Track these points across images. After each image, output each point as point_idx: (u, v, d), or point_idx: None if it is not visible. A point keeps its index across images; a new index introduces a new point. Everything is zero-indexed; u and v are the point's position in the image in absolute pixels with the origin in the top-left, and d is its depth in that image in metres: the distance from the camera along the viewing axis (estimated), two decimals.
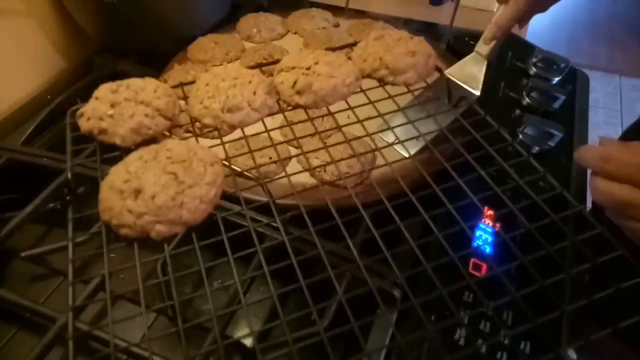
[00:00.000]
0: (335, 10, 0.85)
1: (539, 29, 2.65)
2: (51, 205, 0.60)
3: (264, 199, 0.42)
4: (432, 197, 0.40)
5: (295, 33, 0.79)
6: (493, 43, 0.58)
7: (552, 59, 0.75)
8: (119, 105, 0.42)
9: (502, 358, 0.44)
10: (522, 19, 0.58)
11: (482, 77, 0.57)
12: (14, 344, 0.47)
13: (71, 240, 0.38)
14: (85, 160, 0.59)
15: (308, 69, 0.46)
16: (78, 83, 0.73)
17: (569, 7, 2.93)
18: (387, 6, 0.97)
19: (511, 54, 0.78)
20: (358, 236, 0.48)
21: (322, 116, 0.47)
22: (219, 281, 0.53)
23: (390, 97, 0.48)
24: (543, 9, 0.57)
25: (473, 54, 0.59)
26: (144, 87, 0.44)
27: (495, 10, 0.96)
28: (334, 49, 0.51)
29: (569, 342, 0.45)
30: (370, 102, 0.47)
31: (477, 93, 0.56)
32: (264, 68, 0.52)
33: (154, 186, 0.35)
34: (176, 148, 0.38)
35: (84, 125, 0.42)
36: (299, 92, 0.45)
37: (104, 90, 0.44)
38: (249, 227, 0.38)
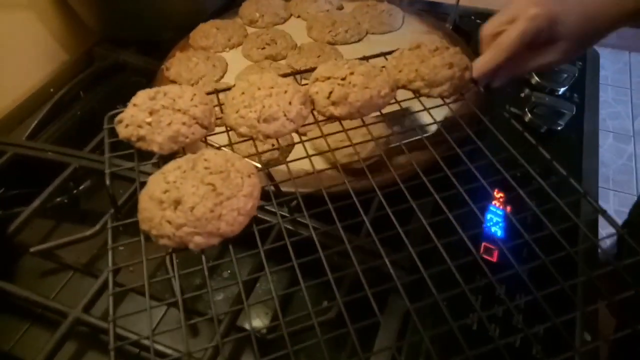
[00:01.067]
0: None
1: None
2: (58, 199, 0.60)
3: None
4: (442, 180, 0.40)
5: (298, 17, 0.78)
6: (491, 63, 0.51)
7: None
8: (157, 112, 0.42)
9: (516, 342, 0.43)
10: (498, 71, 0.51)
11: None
12: (27, 339, 0.47)
13: (111, 249, 0.38)
14: (90, 154, 0.59)
15: (343, 79, 0.45)
16: (80, 75, 0.73)
17: None
18: None
19: None
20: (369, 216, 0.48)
21: (357, 127, 0.47)
22: (229, 271, 0.53)
23: (425, 109, 0.48)
24: (519, 71, 0.54)
25: None
26: (182, 95, 0.44)
27: None
28: (367, 58, 0.51)
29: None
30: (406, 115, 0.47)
31: None
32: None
33: (193, 197, 0.36)
34: (214, 158, 0.38)
35: (122, 131, 0.42)
36: (334, 103, 0.45)
37: (141, 97, 0.44)
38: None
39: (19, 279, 0.51)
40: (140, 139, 0.42)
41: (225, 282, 0.52)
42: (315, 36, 0.72)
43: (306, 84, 0.49)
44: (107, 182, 0.43)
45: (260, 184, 0.40)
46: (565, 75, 0.68)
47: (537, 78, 0.68)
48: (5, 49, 0.70)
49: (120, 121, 0.43)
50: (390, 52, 0.52)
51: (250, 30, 0.75)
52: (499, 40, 0.50)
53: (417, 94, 0.48)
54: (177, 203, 0.36)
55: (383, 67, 0.50)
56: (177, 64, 0.67)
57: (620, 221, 0.81)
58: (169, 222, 0.35)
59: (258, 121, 0.43)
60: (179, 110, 0.43)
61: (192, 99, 0.44)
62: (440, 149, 0.45)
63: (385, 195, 0.40)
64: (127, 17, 0.73)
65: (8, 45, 0.70)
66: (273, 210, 0.47)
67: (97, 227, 0.51)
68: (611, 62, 2.41)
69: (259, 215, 0.40)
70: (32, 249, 0.49)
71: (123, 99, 0.58)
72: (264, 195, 0.41)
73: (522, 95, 0.67)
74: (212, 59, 0.67)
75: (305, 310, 0.34)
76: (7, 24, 0.69)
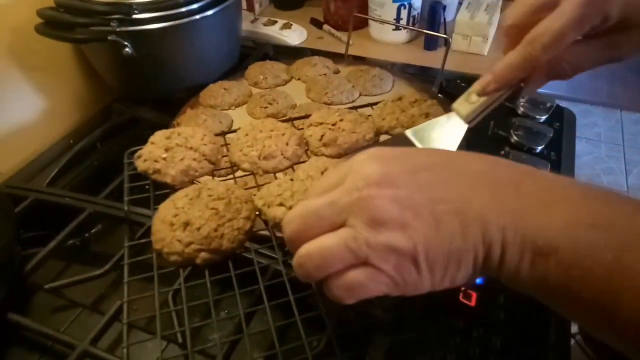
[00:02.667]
0: (336, 57, 0.91)
1: None
2: (70, 242, 0.65)
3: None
4: None
5: (298, 79, 0.85)
6: (481, 101, 0.43)
7: (539, 99, 0.80)
8: (171, 149, 0.49)
9: None
10: (532, 75, 0.40)
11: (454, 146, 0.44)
12: None
13: (127, 283, 0.43)
14: (104, 200, 0.64)
15: (334, 124, 0.53)
16: (98, 129, 0.79)
17: None
18: (384, 52, 1.04)
19: None
20: None
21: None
22: (226, 312, 0.56)
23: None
24: (572, 69, 0.41)
25: (451, 112, 0.45)
26: (193, 135, 0.51)
27: (485, 53, 1.02)
28: (356, 108, 0.59)
29: None
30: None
31: None
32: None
33: (199, 219, 0.41)
34: (216, 188, 0.45)
35: (141, 165, 0.49)
36: (325, 145, 0.53)
37: (159, 136, 0.51)
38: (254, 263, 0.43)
39: (31, 313, 0.55)
40: (156, 171, 0.48)
41: (222, 322, 0.55)
42: (313, 97, 0.79)
43: (302, 129, 0.56)
44: (126, 208, 0.49)
45: (255, 209, 0.44)
46: (543, 136, 0.74)
47: (515, 137, 0.74)
48: (32, 104, 0.77)
49: (140, 156, 0.49)
50: (376, 103, 0.60)
51: (254, 90, 0.82)
52: (534, 33, 0.37)
53: None
54: (185, 225, 0.41)
55: (369, 115, 0.57)
56: (186, 120, 0.73)
57: None
58: (179, 240, 0.41)
59: (259, 158, 0.50)
60: (190, 148, 0.50)
61: (202, 139, 0.51)
62: None
63: None
64: (145, 80, 0.80)
65: (34, 100, 0.77)
66: (269, 253, 0.52)
67: (107, 266, 0.56)
68: (603, 120, 2.49)
69: (256, 259, 0.45)
70: (46, 286, 0.54)
71: (137, 150, 0.64)
72: (261, 239, 0.46)
73: (502, 152, 0.73)
74: (219, 116, 0.74)
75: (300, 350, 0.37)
76: (34, 81, 0.77)
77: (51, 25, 0.69)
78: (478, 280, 0.55)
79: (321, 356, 0.42)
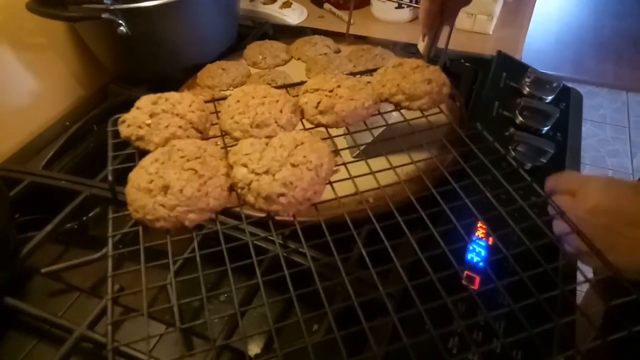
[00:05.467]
0: (337, 36, 0.89)
1: (544, 47, 2.68)
2: (68, 225, 0.64)
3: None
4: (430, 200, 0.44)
5: (298, 59, 0.84)
6: (426, 40, 0.62)
7: (545, 78, 0.78)
8: (156, 115, 0.47)
9: None
10: (441, 14, 0.59)
11: None
12: (34, 354, 0.50)
13: (111, 257, 0.42)
14: (100, 183, 0.63)
15: (331, 91, 0.50)
16: (94, 110, 0.78)
17: (574, 26, 2.97)
18: (387, 31, 1.02)
19: (505, 75, 0.81)
20: (356, 249, 0.51)
21: (342, 135, 0.51)
22: (225, 295, 0.56)
23: (405, 120, 0.52)
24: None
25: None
26: (181, 101, 0.48)
27: (490, 32, 1.00)
28: (355, 74, 0.56)
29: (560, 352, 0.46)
30: (387, 125, 0.51)
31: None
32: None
33: (179, 181, 0.39)
34: (186, 147, 0.43)
35: (124, 131, 0.47)
36: (321, 112, 0.49)
37: (144, 101, 0.49)
38: (248, 241, 0.41)
39: (29, 298, 0.55)
40: (139, 138, 0.46)
41: (222, 305, 0.55)
42: (312, 77, 0.77)
43: (297, 96, 0.53)
44: (110, 177, 0.47)
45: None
46: (549, 116, 0.72)
47: (521, 118, 0.72)
48: (26, 85, 0.75)
49: (123, 121, 0.47)
50: (375, 70, 0.57)
51: (253, 70, 0.80)
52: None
53: (398, 106, 0.52)
54: (165, 189, 0.39)
55: (368, 82, 0.54)
56: None
57: None
58: (163, 205, 0.39)
59: (251, 126, 0.47)
60: (177, 114, 0.47)
61: (190, 105, 0.48)
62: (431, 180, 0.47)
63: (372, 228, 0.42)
64: (140, 60, 0.79)
65: (29, 81, 0.76)
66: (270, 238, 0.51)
67: (104, 250, 0.55)
68: (609, 102, 2.46)
69: (255, 242, 0.44)
70: (43, 270, 0.53)
71: None
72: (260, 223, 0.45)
73: (507, 134, 0.71)
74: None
75: (296, 333, 0.37)
76: (29, 62, 0.75)
77: (43, 3, 0.67)
78: (482, 264, 0.54)
79: (320, 336, 0.42)
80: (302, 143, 0.43)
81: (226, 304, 0.55)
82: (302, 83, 0.54)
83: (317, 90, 0.51)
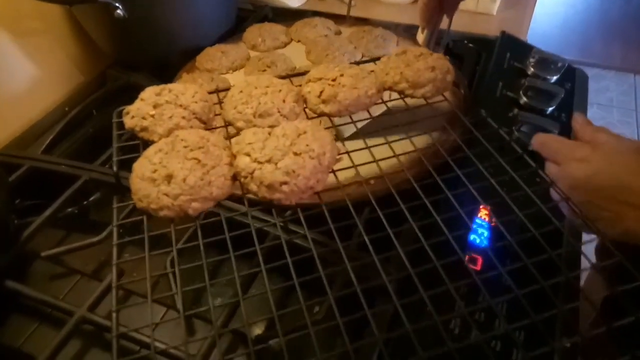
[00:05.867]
0: (337, 18, 0.87)
1: (549, 30, 2.64)
2: (69, 210, 0.64)
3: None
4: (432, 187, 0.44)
5: (298, 41, 0.82)
6: (426, 32, 0.64)
7: (550, 58, 0.77)
8: (160, 106, 0.47)
9: (497, 346, 0.45)
10: (440, 6, 0.61)
11: None
12: (36, 336, 0.50)
13: (116, 246, 0.42)
14: (100, 167, 0.63)
15: (334, 80, 0.50)
16: (93, 95, 0.77)
17: (580, 8, 2.92)
18: (388, 13, 1.00)
19: (509, 55, 0.80)
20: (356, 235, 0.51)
21: (345, 124, 0.51)
22: (228, 277, 0.56)
23: (409, 108, 0.51)
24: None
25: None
26: (184, 92, 0.49)
27: (494, 13, 0.98)
28: (358, 63, 0.55)
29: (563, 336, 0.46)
30: (390, 113, 0.51)
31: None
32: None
33: (183, 171, 0.40)
34: (189, 137, 0.43)
35: (128, 122, 0.47)
36: (324, 101, 0.49)
37: (148, 92, 0.49)
38: (250, 225, 0.41)
39: (30, 281, 0.55)
40: (144, 129, 0.46)
41: (223, 288, 0.55)
42: (313, 59, 0.76)
43: (300, 86, 0.53)
44: (115, 168, 0.47)
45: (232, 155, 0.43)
46: (553, 96, 0.71)
47: (525, 99, 0.71)
48: (24, 71, 0.75)
49: (127, 113, 0.48)
50: (379, 58, 0.56)
51: (252, 54, 0.79)
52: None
53: (402, 94, 0.52)
54: (169, 178, 0.40)
55: (372, 70, 0.54)
56: None
57: None
58: (166, 194, 0.39)
59: (254, 116, 0.47)
60: (180, 105, 0.47)
61: (193, 96, 0.48)
62: (432, 163, 0.47)
63: (372, 208, 0.42)
64: (139, 43, 0.78)
65: (27, 67, 0.75)
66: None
67: (104, 234, 0.55)
68: (616, 84, 2.43)
69: (256, 225, 0.43)
70: (43, 253, 0.53)
71: None
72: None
73: (511, 115, 0.70)
74: (216, 81, 0.72)
75: (297, 315, 0.36)
76: (27, 48, 0.74)
77: None
78: (484, 244, 0.53)
79: (322, 321, 0.41)
80: (304, 132, 0.43)
81: (227, 287, 0.54)
82: (305, 73, 0.54)
83: (320, 79, 0.51)
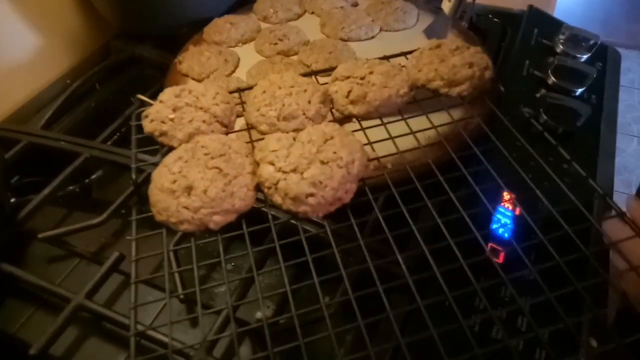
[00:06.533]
0: None
1: (572, 7, 2.53)
2: (70, 188, 0.61)
3: None
4: (453, 179, 0.41)
5: (312, 13, 0.78)
6: (453, 0, 0.64)
7: (581, 35, 0.71)
8: (180, 109, 0.44)
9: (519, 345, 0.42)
10: None
11: (446, 30, 0.68)
12: (32, 322, 0.48)
13: (134, 240, 0.39)
14: (101, 145, 0.60)
15: (362, 78, 0.47)
16: (96, 67, 0.74)
17: None
18: None
19: (537, 31, 0.74)
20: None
21: (375, 126, 0.47)
22: (232, 264, 0.53)
23: (444, 108, 0.47)
24: None
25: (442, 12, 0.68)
26: (205, 93, 0.46)
27: None
28: (388, 58, 0.52)
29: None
30: (424, 114, 0.47)
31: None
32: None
33: (203, 181, 0.38)
34: (210, 144, 0.41)
35: (147, 126, 0.45)
36: (352, 102, 0.46)
37: (168, 94, 0.46)
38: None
39: (27, 264, 0.52)
40: (163, 134, 0.44)
41: (228, 274, 0.52)
42: (328, 32, 0.72)
43: (325, 83, 0.49)
44: (134, 176, 0.45)
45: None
46: (584, 76, 0.66)
47: (553, 78, 0.66)
48: (25, 42, 0.71)
49: (146, 116, 0.45)
50: (410, 52, 0.52)
51: (263, 25, 0.75)
52: None
53: (436, 93, 0.48)
54: (189, 189, 0.38)
55: (403, 66, 0.50)
56: (189, 58, 0.67)
57: None
58: (186, 207, 0.37)
59: (278, 119, 0.45)
60: (200, 108, 0.45)
61: (214, 98, 0.46)
62: (453, 146, 0.44)
63: (392, 194, 0.40)
64: (144, 13, 0.74)
65: (28, 38, 0.72)
66: None
67: (105, 215, 0.52)
68: (639, 65, 2.34)
69: (263, 209, 0.41)
70: (40, 235, 0.51)
71: (137, 91, 0.60)
72: None
73: (538, 95, 0.66)
74: (225, 54, 0.68)
75: (307, 305, 0.35)
76: (27, 18, 0.71)
77: None
78: (507, 235, 0.50)
79: (338, 316, 0.40)
80: (331, 137, 0.40)
81: (233, 273, 0.52)
82: (332, 69, 0.50)
83: (347, 77, 0.47)
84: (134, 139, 0.46)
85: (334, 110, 0.48)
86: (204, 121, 0.44)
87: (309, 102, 0.45)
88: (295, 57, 0.68)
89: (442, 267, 0.35)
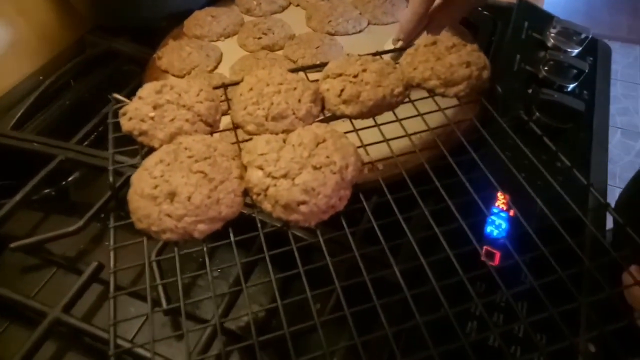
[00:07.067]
0: None
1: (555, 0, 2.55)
2: (46, 191, 0.58)
3: None
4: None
5: (297, 5, 0.76)
6: (400, 45, 0.54)
7: (572, 29, 0.70)
8: (161, 107, 0.42)
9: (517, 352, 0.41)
10: (429, 22, 0.54)
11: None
12: (6, 337, 0.45)
13: (113, 250, 0.38)
14: (77, 146, 0.57)
15: (355, 76, 0.44)
16: (70, 63, 0.70)
17: None
18: None
19: (527, 25, 0.73)
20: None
21: (368, 127, 0.45)
22: (219, 270, 0.51)
23: (440, 109, 0.46)
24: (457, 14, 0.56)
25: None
26: (188, 90, 0.43)
27: None
28: (381, 54, 0.50)
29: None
30: (420, 115, 0.45)
31: None
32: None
33: (187, 187, 0.35)
34: (194, 146, 0.38)
35: (125, 125, 0.42)
36: (345, 102, 0.44)
37: (147, 90, 0.43)
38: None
39: (0, 274, 0.50)
40: (143, 133, 0.41)
41: (215, 281, 0.50)
42: (314, 26, 0.69)
43: (316, 80, 0.47)
44: (111, 179, 0.42)
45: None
46: (575, 71, 0.65)
47: (545, 73, 0.65)
48: None
49: (124, 113, 0.42)
50: (404, 49, 0.50)
51: (247, 19, 0.72)
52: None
53: (432, 93, 0.47)
54: (172, 195, 0.35)
55: (397, 63, 0.48)
56: (169, 53, 0.64)
57: None
58: (169, 215, 0.35)
59: (266, 119, 0.42)
60: (183, 106, 0.42)
61: (198, 95, 0.43)
62: (447, 147, 0.43)
63: (384, 195, 0.39)
64: (120, 6, 0.71)
65: None
66: None
67: (82, 222, 0.49)
68: (621, 57, 2.37)
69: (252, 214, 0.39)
70: (12, 245, 0.48)
71: (114, 87, 0.56)
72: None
73: (529, 91, 0.64)
74: (206, 49, 0.65)
75: (298, 311, 0.34)
76: None
77: None
78: (502, 237, 0.49)
79: (329, 312, 0.39)
80: (324, 140, 0.38)
81: (219, 279, 0.50)
82: (323, 65, 0.48)
83: (339, 75, 0.45)
84: (111, 138, 0.43)
85: (325, 110, 0.46)
86: (187, 120, 0.41)
87: (299, 100, 0.43)
88: (280, 52, 0.66)
89: (438, 274, 0.34)
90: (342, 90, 0.44)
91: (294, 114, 0.42)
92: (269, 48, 0.65)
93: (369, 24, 0.70)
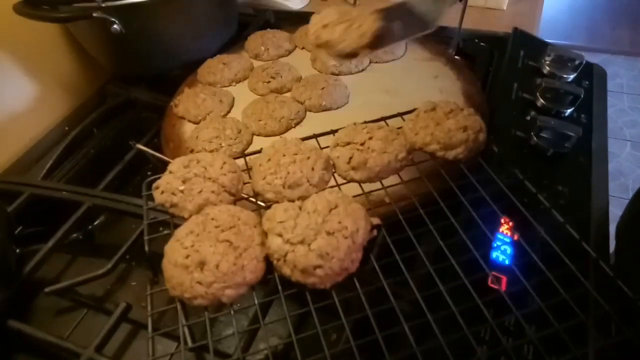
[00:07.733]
0: None
1: (557, 16, 2.58)
2: (74, 235, 0.62)
3: None
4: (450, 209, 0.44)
5: (302, 48, 0.79)
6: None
7: (566, 55, 0.73)
8: (189, 181, 0.47)
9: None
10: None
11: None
12: None
13: (151, 315, 0.42)
14: (102, 193, 0.61)
15: (362, 144, 0.49)
16: (93, 113, 0.75)
17: None
18: None
19: (523, 53, 0.76)
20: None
21: (376, 190, 0.49)
22: (238, 305, 0.53)
23: (441, 171, 0.49)
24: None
25: None
26: (212, 163, 0.48)
27: (504, 7, 0.94)
28: (385, 119, 0.54)
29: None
30: (422, 177, 0.49)
31: None
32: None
33: (215, 256, 0.39)
34: (220, 216, 0.42)
35: (158, 197, 0.47)
36: (354, 168, 0.48)
37: (177, 165, 0.49)
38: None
39: (34, 317, 0.53)
40: (174, 205, 0.46)
41: (235, 316, 0.52)
42: (319, 67, 0.73)
43: (327, 147, 0.51)
44: (146, 248, 0.47)
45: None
46: (571, 97, 0.68)
47: (542, 100, 0.68)
48: (21, 91, 0.73)
49: (157, 187, 0.47)
50: (406, 113, 0.55)
51: (256, 63, 0.77)
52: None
53: (433, 156, 0.50)
54: (202, 264, 0.39)
55: (400, 127, 0.52)
56: (185, 101, 0.69)
57: None
58: (199, 282, 0.38)
59: (283, 187, 0.46)
60: (209, 178, 0.47)
61: (221, 167, 0.48)
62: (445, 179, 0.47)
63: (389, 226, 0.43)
64: (137, 57, 0.76)
65: (23, 86, 0.73)
66: None
67: (110, 265, 0.52)
68: (625, 70, 2.38)
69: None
70: (47, 289, 0.51)
71: (134, 134, 0.60)
72: None
73: (528, 118, 0.67)
74: (219, 94, 0.69)
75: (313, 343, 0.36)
76: (23, 66, 0.72)
77: (31, 4, 0.63)
78: (508, 262, 0.50)
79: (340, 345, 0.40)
80: (335, 206, 0.42)
81: (239, 314, 0.52)
82: (332, 132, 0.53)
83: (348, 143, 0.50)
84: (145, 210, 0.49)
85: (336, 175, 0.50)
86: (212, 192, 0.46)
87: (313, 169, 0.47)
88: (288, 94, 0.70)
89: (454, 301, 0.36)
90: (350, 158, 0.48)
91: (308, 181, 0.46)
92: (277, 91, 0.69)
93: (370, 62, 0.74)
